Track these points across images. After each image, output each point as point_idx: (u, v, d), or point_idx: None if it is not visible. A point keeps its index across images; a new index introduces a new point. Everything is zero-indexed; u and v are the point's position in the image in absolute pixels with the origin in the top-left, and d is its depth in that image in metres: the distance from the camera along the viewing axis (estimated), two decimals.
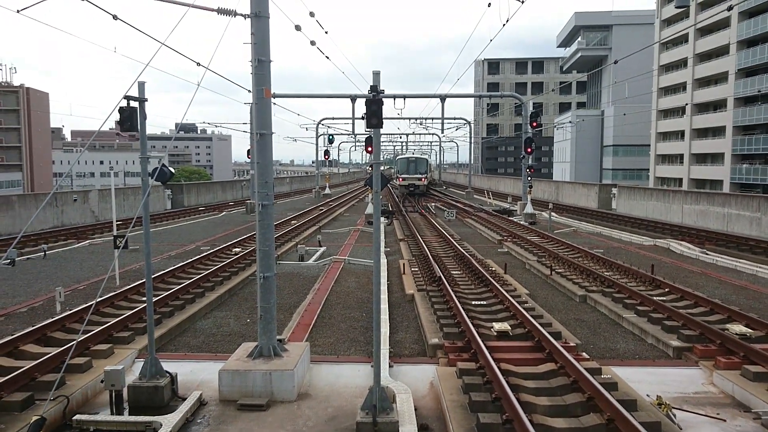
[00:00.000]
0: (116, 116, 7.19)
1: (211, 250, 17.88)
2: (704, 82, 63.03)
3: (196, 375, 8.21)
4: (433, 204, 41.46)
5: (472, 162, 74.76)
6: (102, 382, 7.16)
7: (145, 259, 7.72)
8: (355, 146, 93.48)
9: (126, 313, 10.48)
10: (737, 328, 9.57)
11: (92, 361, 8.23)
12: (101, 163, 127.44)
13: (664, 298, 11.89)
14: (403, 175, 52.47)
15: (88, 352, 8.57)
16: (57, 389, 7.00)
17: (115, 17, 10.38)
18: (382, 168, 7.03)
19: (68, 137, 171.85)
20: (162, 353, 8.95)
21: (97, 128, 6.40)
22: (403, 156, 59.78)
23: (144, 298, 9.73)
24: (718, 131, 60.45)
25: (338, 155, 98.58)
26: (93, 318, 10.21)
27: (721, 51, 58.81)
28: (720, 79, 59.82)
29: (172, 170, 7.79)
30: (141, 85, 7.31)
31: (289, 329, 10.47)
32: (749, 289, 13.92)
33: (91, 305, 9.50)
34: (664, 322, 10.26)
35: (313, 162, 63.24)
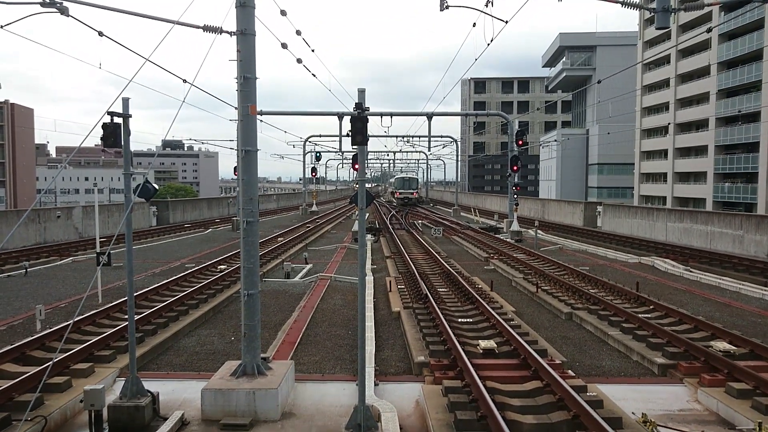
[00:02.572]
0: (100, 132, 7.14)
1: (196, 267, 17.73)
2: (686, 102, 64.10)
3: (179, 394, 8.08)
4: (420, 221, 41.50)
5: (458, 180, 75.24)
6: (81, 401, 7.02)
7: (128, 276, 7.63)
8: (342, 164, 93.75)
9: (108, 331, 10.32)
10: (721, 345, 9.62)
11: (72, 381, 8.07)
12: (86, 179, 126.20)
13: (649, 316, 11.95)
14: (399, 190, 68.81)
15: (67, 371, 8.41)
16: (34, 409, 6.85)
17: (100, 34, 10.36)
18: (368, 185, 7.04)
19: (53, 153, 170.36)
20: (144, 372, 8.81)
21: (81, 144, 6.35)
22: (399, 176, 75.92)
23: (126, 316, 9.60)
24: (700, 150, 61.35)
25: (326, 172, 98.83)
26: (74, 336, 10.06)
27: (703, 72, 59.89)
28: (702, 99, 60.86)
29: (156, 187, 7.74)
30: (125, 101, 7.29)
31: (274, 347, 10.37)
32: (732, 307, 14.04)
33: (69, 324, 9.37)
34: (649, 339, 10.30)
35: (300, 179, 63.21)
